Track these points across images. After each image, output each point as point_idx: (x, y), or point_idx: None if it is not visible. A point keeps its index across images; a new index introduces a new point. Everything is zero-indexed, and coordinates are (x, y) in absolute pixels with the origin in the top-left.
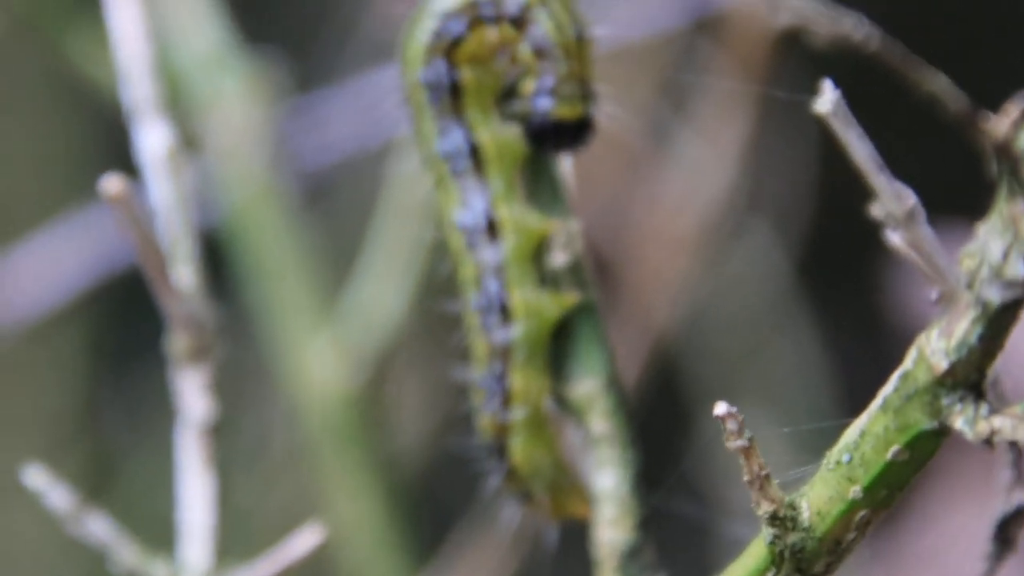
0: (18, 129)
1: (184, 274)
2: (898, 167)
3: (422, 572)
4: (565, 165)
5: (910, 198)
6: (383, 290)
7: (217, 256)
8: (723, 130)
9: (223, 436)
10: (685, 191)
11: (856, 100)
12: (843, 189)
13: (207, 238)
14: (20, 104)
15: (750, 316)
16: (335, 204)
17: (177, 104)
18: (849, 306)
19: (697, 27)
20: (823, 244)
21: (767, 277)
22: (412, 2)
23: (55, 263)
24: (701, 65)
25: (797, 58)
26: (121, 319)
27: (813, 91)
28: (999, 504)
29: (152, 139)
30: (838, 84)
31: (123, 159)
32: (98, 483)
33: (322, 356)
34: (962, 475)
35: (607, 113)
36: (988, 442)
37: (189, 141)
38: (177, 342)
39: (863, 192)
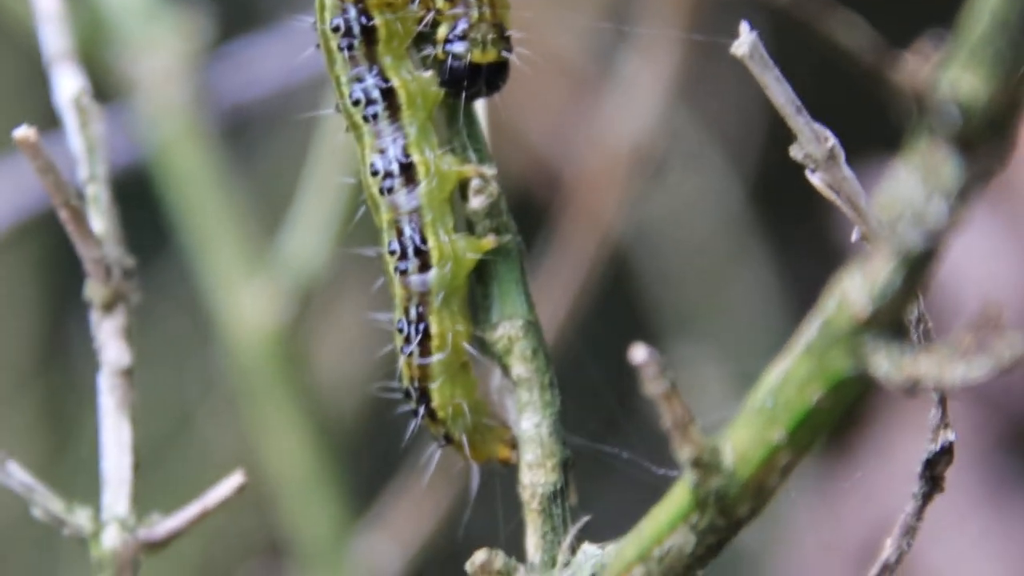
0: None
1: (97, 221)
2: (824, 104)
3: (355, 506)
4: (481, 108)
5: (829, 139)
6: (313, 230)
7: (155, 198)
8: (666, 56)
9: (179, 370)
10: (631, 112)
11: (788, 32)
12: None
13: (141, 182)
14: None
15: (703, 242)
16: (265, 146)
17: (107, 47)
18: (802, 230)
19: None
20: (775, 170)
21: (720, 203)
22: None
23: (14, 185)
24: None
25: None
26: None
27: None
28: (926, 444)
29: (69, 87)
30: (766, 20)
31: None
32: (68, 409)
33: (252, 294)
34: (911, 409)
35: (522, 54)
36: (912, 389)
37: (118, 86)
38: (93, 289)
39: (816, 114)
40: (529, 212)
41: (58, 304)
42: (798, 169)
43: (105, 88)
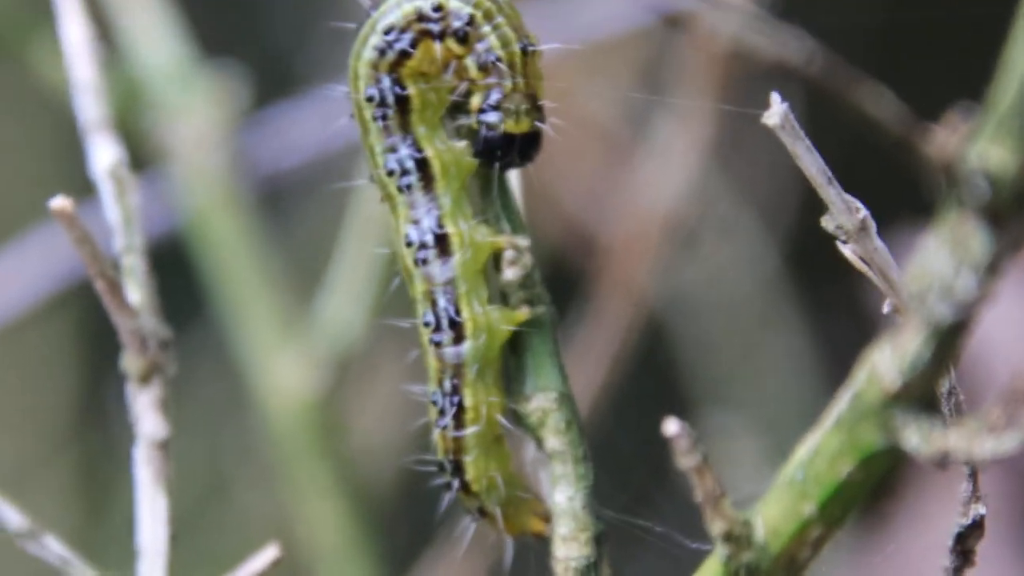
0: (6, 138)
1: (134, 292)
2: (855, 171)
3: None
4: (515, 179)
5: (860, 210)
6: (349, 299)
7: (190, 265)
8: (699, 123)
9: (214, 438)
10: (665, 179)
11: (818, 101)
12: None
13: (175, 248)
14: (5, 113)
15: (737, 309)
16: (300, 213)
17: (141, 115)
18: (837, 299)
19: (668, 23)
20: (810, 236)
21: (755, 269)
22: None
23: (52, 253)
24: (677, 59)
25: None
26: None
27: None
28: (957, 517)
29: (102, 157)
30: (798, 88)
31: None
32: (104, 477)
33: (288, 363)
34: (945, 480)
35: (554, 125)
36: (942, 463)
37: (153, 152)
38: (129, 360)
39: (850, 182)
40: (563, 279)
41: (93, 371)
42: (831, 235)
43: (139, 155)
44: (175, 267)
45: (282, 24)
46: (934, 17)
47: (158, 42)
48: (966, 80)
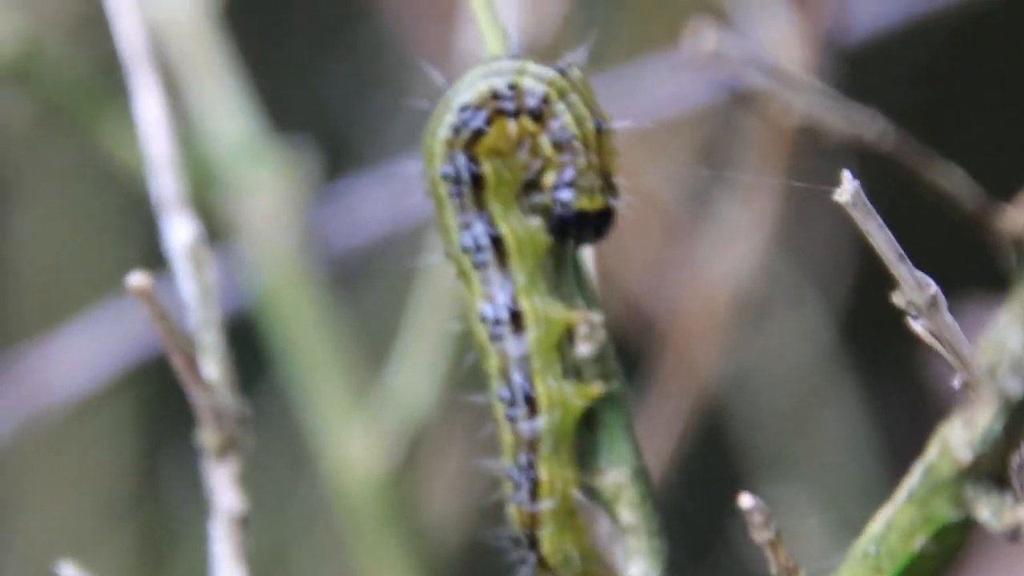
0: (69, 212)
1: (211, 368)
2: (928, 244)
3: None
4: (589, 256)
5: (931, 287)
6: (419, 374)
7: (257, 340)
8: (761, 197)
9: (278, 511)
10: (726, 257)
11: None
12: None
13: (245, 323)
14: (69, 187)
15: (795, 383)
16: (368, 289)
17: (210, 190)
18: (894, 373)
19: (735, 101)
20: (867, 310)
21: (812, 344)
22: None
23: (114, 332)
24: (740, 137)
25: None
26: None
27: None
28: None
29: (179, 234)
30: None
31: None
32: (161, 551)
33: (358, 438)
34: (1011, 552)
35: (629, 203)
36: (1014, 535)
37: (223, 227)
38: (206, 435)
39: (911, 256)
40: (626, 356)
41: (150, 447)
42: (887, 307)
43: (208, 230)
44: (241, 338)
45: (340, 98)
46: (973, 91)
47: (227, 116)
48: (1006, 155)
